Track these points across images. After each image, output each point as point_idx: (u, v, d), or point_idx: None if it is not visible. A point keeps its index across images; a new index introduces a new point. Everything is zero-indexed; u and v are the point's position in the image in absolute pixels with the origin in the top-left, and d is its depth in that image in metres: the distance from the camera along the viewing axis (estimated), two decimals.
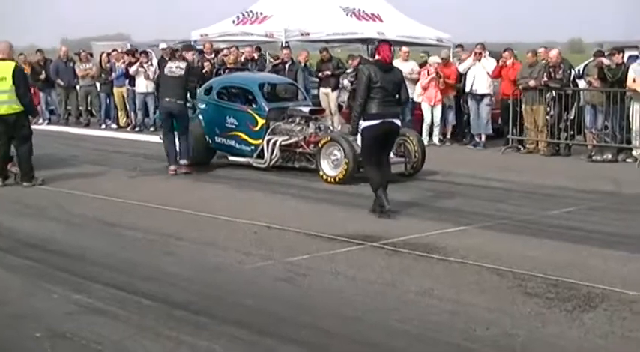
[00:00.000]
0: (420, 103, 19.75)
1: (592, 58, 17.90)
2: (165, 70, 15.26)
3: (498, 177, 14.63)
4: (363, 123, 11.07)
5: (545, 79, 17.46)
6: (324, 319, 6.95)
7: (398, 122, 11.31)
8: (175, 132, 15.15)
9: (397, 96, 11.24)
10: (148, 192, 13.19)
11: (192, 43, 15.96)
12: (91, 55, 26.58)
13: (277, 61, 21.52)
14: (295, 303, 7.40)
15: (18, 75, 13.69)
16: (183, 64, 15.06)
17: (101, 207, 12.04)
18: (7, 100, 13.48)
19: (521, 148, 18.32)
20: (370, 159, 11.37)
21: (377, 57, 11.46)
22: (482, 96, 18.73)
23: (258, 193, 13.15)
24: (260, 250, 9.30)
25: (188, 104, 15.37)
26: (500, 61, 18.69)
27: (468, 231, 10.26)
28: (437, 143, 19.36)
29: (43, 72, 24.97)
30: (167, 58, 17.98)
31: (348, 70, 20.57)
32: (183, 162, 15.06)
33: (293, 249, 9.36)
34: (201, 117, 15.82)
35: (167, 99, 15.19)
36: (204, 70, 21.60)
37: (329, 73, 21.35)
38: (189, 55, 15.66)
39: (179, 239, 9.94)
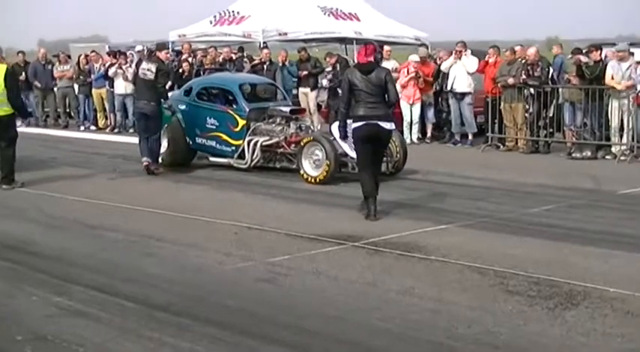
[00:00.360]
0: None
1: (570, 56, 17.95)
2: (139, 72, 15.30)
3: (478, 175, 14.66)
4: (352, 126, 11.06)
5: (524, 76, 17.50)
6: (305, 319, 6.94)
7: (386, 125, 10.97)
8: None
9: (386, 96, 11.00)
10: (128, 193, 13.14)
11: (167, 43, 15.79)
12: (69, 56, 26.46)
13: (256, 62, 21.47)
14: (277, 303, 7.39)
15: (10, 77, 13.68)
16: (154, 67, 15.04)
17: (81, 209, 11.99)
18: None
19: (501, 146, 18.36)
20: (364, 163, 11.29)
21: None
22: (463, 95, 18.73)
23: (238, 194, 13.13)
24: (241, 251, 9.28)
25: (165, 106, 15.31)
26: (486, 58, 18.75)
27: (449, 230, 10.28)
28: (416, 141, 19.37)
29: (23, 73, 24.83)
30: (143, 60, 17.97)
31: (327, 69, 20.57)
32: (144, 160, 15.05)
33: (274, 249, 9.34)
34: (181, 117, 15.76)
35: (140, 102, 15.35)
36: (182, 71, 21.59)
37: (306, 72, 21.31)
38: (162, 55, 15.60)
39: (160, 240, 9.91)
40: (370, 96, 10.87)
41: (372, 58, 11.11)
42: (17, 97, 13.86)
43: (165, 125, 15.69)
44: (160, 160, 15.44)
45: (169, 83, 21.15)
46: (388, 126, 11.04)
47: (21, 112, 14.27)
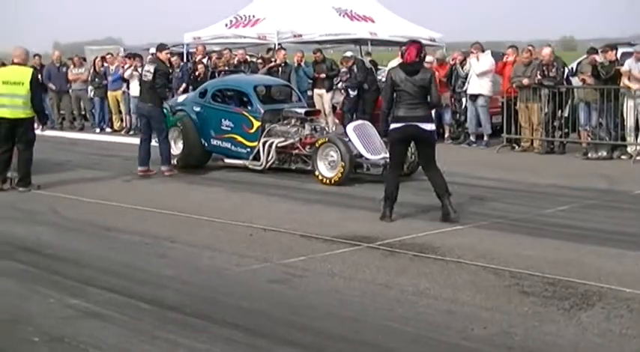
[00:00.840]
0: None
1: (585, 56, 17.91)
2: (142, 74, 15.48)
3: (493, 175, 14.65)
4: (390, 126, 11.00)
5: (539, 77, 17.46)
6: (320, 320, 6.94)
7: (426, 126, 10.86)
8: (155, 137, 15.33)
9: (428, 98, 10.90)
10: (142, 195, 13.17)
11: (167, 44, 15.72)
12: (84, 59, 26.53)
13: (273, 64, 21.43)
14: (292, 305, 7.40)
15: (35, 81, 13.79)
16: (152, 68, 15.13)
17: (96, 211, 12.03)
18: (22, 105, 13.52)
19: (516, 147, 18.32)
20: (393, 164, 11.30)
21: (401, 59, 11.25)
22: (476, 96, 18.68)
23: (253, 195, 13.14)
24: (255, 252, 9.29)
25: (165, 107, 15.36)
26: (503, 58, 18.73)
27: (464, 231, 10.26)
28: None
29: (39, 76, 24.83)
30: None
31: (342, 70, 20.52)
32: (164, 168, 15.15)
33: (289, 250, 9.35)
34: (195, 119, 15.79)
35: (140, 103, 15.65)
36: (197, 73, 21.65)
37: (323, 74, 21.30)
38: (162, 55, 15.62)
39: (174, 242, 9.93)
40: (412, 97, 10.75)
41: (417, 59, 10.93)
42: (40, 101, 14.00)
43: (180, 127, 15.72)
44: (174, 162, 15.50)
45: (183, 86, 21.27)
46: (428, 127, 10.92)
47: (40, 116, 14.36)
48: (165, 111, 15.42)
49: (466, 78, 18.93)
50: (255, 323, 6.88)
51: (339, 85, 20.46)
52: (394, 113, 10.90)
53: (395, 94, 10.84)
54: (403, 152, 11.26)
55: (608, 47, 17.22)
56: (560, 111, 17.61)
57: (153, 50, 23.32)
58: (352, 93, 20.45)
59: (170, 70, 16.04)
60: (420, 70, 10.89)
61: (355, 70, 20.65)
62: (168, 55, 15.99)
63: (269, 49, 24.21)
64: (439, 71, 19.49)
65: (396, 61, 20.22)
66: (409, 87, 10.73)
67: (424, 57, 11.20)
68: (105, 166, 16.76)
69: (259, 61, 23.62)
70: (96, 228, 10.88)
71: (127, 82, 22.78)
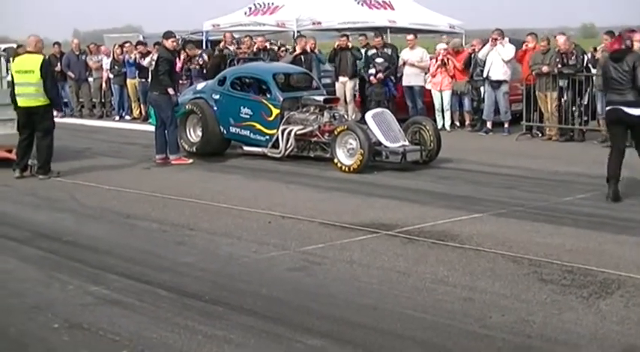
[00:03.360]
0: (430, 90, 19.87)
1: (603, 44, 17.75)
2: (149, 63, 15.60)
3: (512, 163, 14.58)
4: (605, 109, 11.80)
5: (559, 65, 17.38)
6: (339, 308, 6.95)
7: (632, 110, 11.08)
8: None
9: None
10: (161, 183, 13.21)
11: (173, 32, 15.69)
12: (99, 46, 26.48)
13: (298, 51, 21.30)
14: (310, 292, 7.42)
15: (46, 68, 13.82)
16: (157, 55, 15.21)
17: (115, 198, 12.07)
18: (34, 93, 13.60)
19: (536, 134, 18.25)
20: (612, 145, 11.75)
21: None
22: (499, 83, 18.60)
23: (272, 183, 13.15)
24: (274, 239, 9.32)
25: (174, 96, 15.33)
26: (524, 46, 18.65)
27: (483, 219, 10.24)
28: (447, 129, 19.32)
29: (58, 64, 24.92)
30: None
31: (378, 60, 20.19)
32: (172, 157, 15.19)
33: (307, 238, 9.37)
34: (214, 106, 15.81)
35: (149, 92, 15.90)
36: (203, 62, 21.70)
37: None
38: (168, 43, 15.60)
39: (193, 229, 9.97)
40: (619, 83, 11.15)
41: (622, 45, 11.37)
42: (52, 88, 14.01)
43: (198, 114, 15.73)
44: (193, 150, 15.57)
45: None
46: (635, 112, 11.14)
47: (55, 103, 14.41)
48: (175, 99, 15.41)
49: (484, 65, 18.84)
50: (274, 310, 6.91)
51: (371, 71, 20.09)
52: (606, 98, 11.82)
53: (606, 81, 11.50)
54: (619, 134, 11.55)
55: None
56: (579, 100, 17.51)
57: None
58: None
59: (174, 58, 15.93)
60: (627, 56, 11.23)
61: (390, 52, 20.50)
62: (174, 43, 15.93)
63: (297, 37, 24.05)
64: (455, 59, 19.49)
65: (408, 50, 20.37)
66: (616, 73, 11.17)
67: (631, 43, 11.61)
68: (124, 154, 16.82)
69: (283, 49, 23.59)
70: (115, 215, 10.93)
71: (142, 69, 22.74)
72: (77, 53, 25.52)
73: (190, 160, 15.26)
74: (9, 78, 16.59)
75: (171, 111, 15.24)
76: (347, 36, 22.01)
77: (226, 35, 24.24)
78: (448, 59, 19.52)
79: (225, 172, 14.35)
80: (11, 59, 17.65)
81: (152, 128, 15.50)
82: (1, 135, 14.69)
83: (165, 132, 15.15)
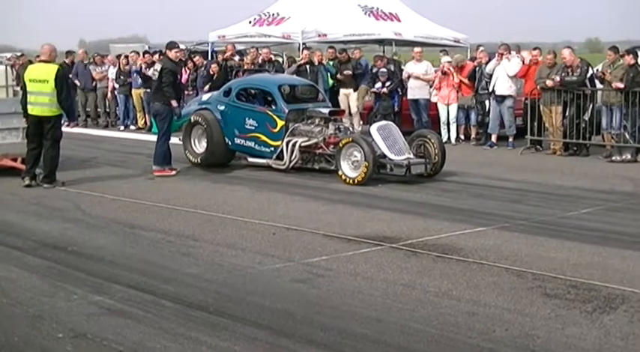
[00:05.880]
0: (435, 103, 19.93)
1: (608, 58, 17.71)
2: (152, 73, 15.67)
3: (516, 177, 14.60)
4: None
5: (564, 76, 17.36)
6: (342, 320, 6.95)
7: None
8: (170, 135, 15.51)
9: None
10: (166, 193, 13.22)
11: (176, 43, 15.68)
12: (103, 58, 26.50)
13: (301, 62, 21.40)
14: (314, 304, 7.42)
15: (60, 78, 13.80)
16: (159, 66, 15.25)
17: (120, 208, 12.09)
18: (48, 103, 13.62)
19: (540, 148, 18.27)
20: None
21: None
22: (504, 97, 18.60)
23: (277, 194, 13.16)
24: (278, 251, 9.32)
25: (177, 109, 15.29)
26: (528, 60, 18.66)
27: (487, 232, 10.24)
28: (452, 142, 19.34)
29: (66, 74, 24.90)
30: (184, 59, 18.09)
31: (382, 70, 20.27)
32: (154, 167, 15.20)
33: (312, 250, 9.38)
34: (220, 117, 15.82)
35: (151, 102, 15.92)
36: (210, 73, 21.75)
37: (349, 71, 21.19)
38: (171, 54, 15.56)
39: (197, 240, 9.97)
40: None
41: None
42: (67, 99, 14.02)
43: (203, 125, 15.75)
44: (197, 161, 15.63)
45: (206, 86, 21.27)
46: None
47: (69, 114, 14.47)
48: (178, 111, 15.42)
49: (490, 78, 18.86)
50: (278, 322, 6.91)
51: (377, 85, 20.17)
52: None
53: None
54: None
55: (625, 52, 17.07)
56: (584, 114, 17.50)
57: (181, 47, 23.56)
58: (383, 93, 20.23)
59: (178, 69, 15.95)
60: None
61: (392, 68, 20.62)
62: (178, 54, 15.89)
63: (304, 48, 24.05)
64: (459, 73, 19.55)
65: (412, 63, 20.49)
66: None
67: None
68: (129, 164, 16.85)
69: (289, 59, 23.63)
70: (120, 225, 10.93)
71: (147, 79, 22.76)
72: (85, 63, 25.57)
73: (174, 172, 15.17)
74: (16, 87, 16.59)
75: (167, 124, 15.24)
76: (345, 50, 22.17)
77: (228, 47, 24.32)
78: (450, 70, 19.58)
79: (230, 183, 14.36)
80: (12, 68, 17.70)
81: (156, 138, 15.48)
82: (8, 144, 14.74)
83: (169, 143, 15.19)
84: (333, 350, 6.30)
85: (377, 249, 9.39)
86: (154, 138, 16.02)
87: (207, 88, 21.42)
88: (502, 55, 18.78)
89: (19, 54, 28.89)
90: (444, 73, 19.65)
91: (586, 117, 17.48)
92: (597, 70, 17.91)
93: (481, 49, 21.30)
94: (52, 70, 13.74)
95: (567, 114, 17.55)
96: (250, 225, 10.75)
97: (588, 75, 17.65)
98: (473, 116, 19.72)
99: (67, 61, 25.23)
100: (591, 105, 17.58)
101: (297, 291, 7.84)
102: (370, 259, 8.94)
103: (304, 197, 12.91)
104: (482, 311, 7.12)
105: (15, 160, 14.81)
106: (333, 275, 8.36)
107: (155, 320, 6.96)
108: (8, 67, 17.33)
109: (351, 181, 13.69)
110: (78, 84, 25.18)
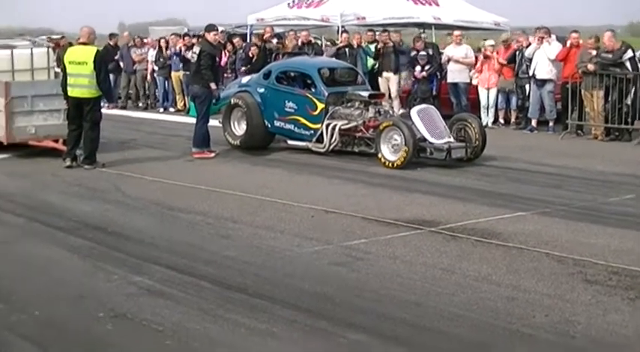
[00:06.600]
0: (475, 87, 19.82)
1: None
2: (190, 56, 15.72)
3: (557, 162, 14.46)
4: None
5: (604, 62, 17.20)
6: (381, 303, 6.95)
7: None
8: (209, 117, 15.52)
9: None
10: (204, 175, 13.25)
11: (215, 25, 15.68)
12: (143, 40, 26.57)
13: (342, 45, 21.35)
14: (353, 287, 7.42)
15: (99, 60, 13.90)
16: (198, 49, 15.23)
17: (159, 189, 12.14)
18: (87, 85, 13.70)
19: (581, 133, 18.10)
20: None
21: None
22: (544, 81, 18.45)
23: (315, 177, 13.16)
24: (317, 234, 9.32)
25: (216, 91, 15.34)
26: (568, 43, 18.48)
27: (527, 217, 10.18)
28: (490, 125, 19.20)
29: (106, 56, 24.98)
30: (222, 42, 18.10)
31: (421, 53, 20.19)
32: (193, 149, 15.22)
33: (350, 233, 9.37)
34: (259, 100, 15.82)
35: (189, 84, 16.08)
36: (250, 55, 21.74)
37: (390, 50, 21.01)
38: (210, 36, 15.59)
39: (236, 222, 9.99)
40: None
41: None
42: (105, 80, 14.11)
43: (243, 108, 15.76)
44: (237, 143, 15.65)
45: (243, 68, 21.28)
46: None
47: (108, 96, 14.58)
48: (217, 93, 15.46)
49: (530, 62, 18.72)
50: (317, 304, 6.92)
51: (417, 69, 20.08)
52: None
53: None
54: None
55: None
56: (627, 98, 17.32)
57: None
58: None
59: (217, 52, 15.95)
60: None
61: (431, 51, 20.54)
62: (217, 37, 15.90)
63: (343, 31, 23.95)
64: (503, 53, 19.42)
65: (452, 46, 20.37)
66: None
67: None
68: (168, 146, 16.89)
69: (327, 43, 23.53)
70: (159, 206, 10.98)
71: (186, 62, 22.79)
72: (129, 45, 25.65)
73: (213, 154, 15.19)
74: (57, 69, 16.71)
75: (206, 107, 15.27)
76: (388, 31, 22.01)
77: (267, 29, 24.31)
78: (492, 53, 19.48)
79: (269, 166, 14.36)
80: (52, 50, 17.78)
81: (194, 120, 15.51)
82: (49, 125, 14.87)
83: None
84: (371, 333, 6.29)
85: (416, 233, 9.36)
86: (192, 120, 16.04)
87: (243, 69, 21.47)
88: (542, 38, 18.62)
89: (59, 36, 29.00)
90: (486, 57, 19.54)
91: (628, 102, 17.30)
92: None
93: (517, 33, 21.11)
94: (91, 52, 13.83)
95: (610, 98, 17.37)
96: (289, 208, 10.75)
97: (626, 56, 17.43)
98: (513, 100, 19.56)
99: (111, 43, 25.33)
100: (634, 90, 17.38)
101: (336, 274, 7.84)
102: (409, 243, 8.92)
103: (343, 180, 12.89)
104: (522, 296, 7.08)
105: (56, 141, 14.93)
106: (372, 258, 8.35)
107: (194, 302, 6.99)
108: (50, 49, 17.37)
109: (390, 165, 13.65)
110: (122, 66, 25.27)
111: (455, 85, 20.16)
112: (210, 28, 15.70)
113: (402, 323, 6.48)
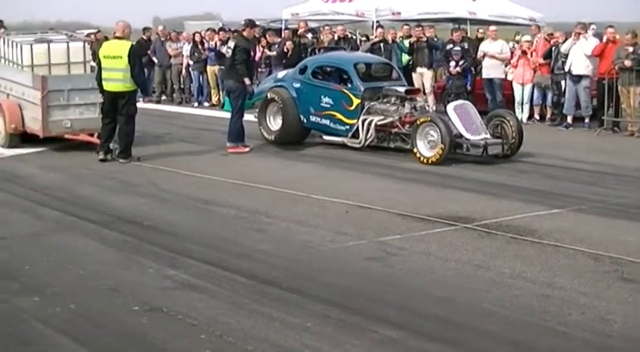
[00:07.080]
0: (509, 83, 19.72)
1: None
2: (225, 51, 15.76)
3: (592, 159, 14.37)
4: None
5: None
6: (415, 299, 6.94)
7: None
8: (243, 112, 15.52)
9: None
10: (238, 169, 13.27)
11: (254, 20, 15.73)
12: (179, 33, 26.65)
13: (376, 40, 21.32)
14: (387, 283, 7.41)
15: (134, 54, 13.98)
16: (233, 44, 15.30)
17: (193, 184, 12.17)
18: (122, 79, 13.79)
19: (617, 130, 17.95)
20: None
21: None
22: (580, 77, 18.32)
23: (350, 172, 13.15)
24: (351, 229, 9.31)
25: (250, 86, 15.32)
26: (604, 39, 18.33)
27: (562, 214, 10.11)
28: (525, 121, 19.06)
29: (140, 50, 25.07)
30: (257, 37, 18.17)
31: (455, 48, 20.10)
32: (228, 144, 15.21)
33: (384, 228, 9.35)
34: (295, 95, 15.81)
35: (225, 79, 16.10)
36: (285, 50, 21.74)
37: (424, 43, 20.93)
38: (246, 32, 15.67)
39: (270, 217, 10.00)
40: None
41: None
42: (140, 74, 14.18)
43: (279, 103, 15.75)
44: (272, 138, 15.66)
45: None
46: None
47: (143, 89, 14.67)
48: (251, 88, 15.47)
49: (566, 58, 18.58)
50: (350, 300, 6.91)
51: (451, 64, 19.98)
52: None
53: None
54: None
55: None
56: None
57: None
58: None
59: (252, 47, 15.97)
60: None
61: (466, 45, 20.47)
62: (254, 32, 15.93)
63: (378, 26, 23.88)
64: (541, 49, 19.31)
65: (488, 42, 20.29)
66: None
67: None
68: (202, 140, 16.93)
69: (363, 38, 23.46)
70: (193, 200, 11.02)
71: (220, 57, 22.83)
72: (163, 39, 25.73)
73: (247, 149, 15.18)
74: (92, 63, 16.79)
75: (241, 101, 15.29)
76: (422, 26, 21.93)
77: (301, 24, 24.31)
78: (529, 49, 19.38)
79: (303, 161, 14.37)
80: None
81: (229, 115, 15.54)
82: (85, 119, 14.95)
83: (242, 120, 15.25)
84: (405, 329, 6.27)
85: (450, 229, 9.33)
86: (227, 115, 16.08)
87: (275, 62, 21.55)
88: (579, 34, 18.48)
89: (95, 31, 29.14)
90: (524, 52, 19.43)
91: None
92: None
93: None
94: (125, 46, 13.90)
95: None
96: (322, 203, 10.75)
97: None
98: (549, 96, 19.44)
99: (144, 37, 25.42)
100: None
101: (370, 270, 7.83)
102: (443, 239, 8.89)
103: (377, 175, 12.86)
104: (557, 293, 7.04)
105: (92, 135, 15.03)
106: (406, 254, 8.33)
107: (228, 296, 7.01)
108: (86, 44, 17.45)
109: (425, 161, 13.60)
110: (156, 61, 25.34)
111: (490, 80, 20.06)
112: (251, 24, 15.75)
113: (434, 320, 6.47)
